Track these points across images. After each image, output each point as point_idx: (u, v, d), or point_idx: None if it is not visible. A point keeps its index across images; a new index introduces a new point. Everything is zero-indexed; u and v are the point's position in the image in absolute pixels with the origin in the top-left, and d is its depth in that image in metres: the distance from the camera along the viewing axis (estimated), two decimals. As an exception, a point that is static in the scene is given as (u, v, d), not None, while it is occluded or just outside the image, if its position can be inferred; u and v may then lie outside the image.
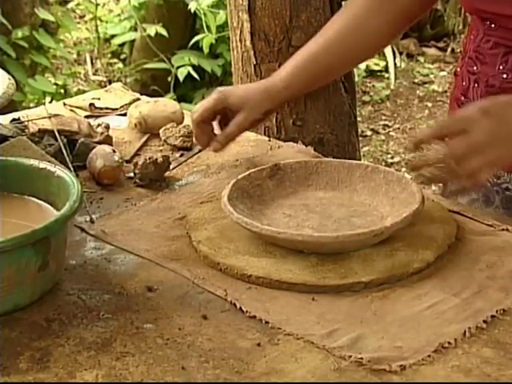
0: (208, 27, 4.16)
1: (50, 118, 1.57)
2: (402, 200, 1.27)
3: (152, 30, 4.34)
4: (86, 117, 1.72)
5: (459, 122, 1.18)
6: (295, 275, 1.14)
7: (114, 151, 1.47)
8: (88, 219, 1.32)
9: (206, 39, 4.16)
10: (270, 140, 1.67)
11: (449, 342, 1.02)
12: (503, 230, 1.26)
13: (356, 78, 4.37)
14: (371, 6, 1.45)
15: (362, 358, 0.99)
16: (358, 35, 1.46)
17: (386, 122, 4.72)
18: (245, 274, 1.15)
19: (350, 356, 0.99)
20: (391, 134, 4.59)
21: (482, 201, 1.47)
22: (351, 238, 1.17)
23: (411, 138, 1.20)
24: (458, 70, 1.47)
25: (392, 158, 4.29)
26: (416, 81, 5.28)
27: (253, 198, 1.31)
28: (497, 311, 1.08)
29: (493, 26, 1.36)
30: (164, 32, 4.32)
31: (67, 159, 1.41)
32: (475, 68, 1.41)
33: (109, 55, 5.22)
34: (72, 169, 1.37)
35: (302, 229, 1.24)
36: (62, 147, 1.45)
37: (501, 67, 1.35)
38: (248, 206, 1.29)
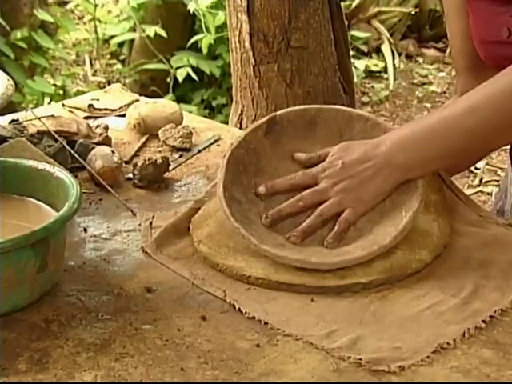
0: (207, 28, 4.16)
1: (39, 119, 1.56)
2: None
3: (151, 30, 4.34)
4: (85, 118, 1.72)
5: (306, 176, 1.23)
6: (294, 276, 1.14)
7: (113, 152, 1.47)
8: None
9: (205, 39, 4.16)
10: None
11: (448, 343, 1.02)
12: (490, 221, 1.27)
13: (355, 79, 4.37)
14: None
15: (361, 359, 0.99)
16: None
17: (385, 123, 4.72)
18: (244, 275, 1.15)
19: (350, 357, 0.99)
20: (390, 134, 4.59)
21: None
22: (351, 263, 1.14)
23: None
24: None
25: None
26: (415, 82, 5.28)
27: (248, 172, 1.25)
28: (495, 311, 1.08)
29: None
30: (163, 33, 4.32)
31: (78, 158, 1.41)
32: None
33: (108, 56, 5.22)
34: (85, 164, 1.35)
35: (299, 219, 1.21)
36: (66, 146, 1.45)
37: None
38: (244, 188, 1.23)
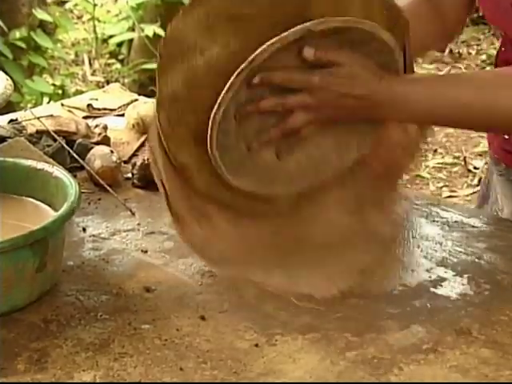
0: (206, 27, 4.16)
1: (38, 118, 1.57)
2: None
3: (150, 30, 4.34)
4: (84, 117, 1.72)
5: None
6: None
7: (112, 152, 1.47)
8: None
9: (204, 39, 4.16)
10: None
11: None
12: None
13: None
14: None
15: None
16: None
17: (384, 123, 4.72)
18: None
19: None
20: (389, 134, 4.59)
21: None
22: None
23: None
24: None
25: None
26: (414, 81, 5.28)
27: (254, 86, 1.08)
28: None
29: None
30: (162, 32, 4.32)
31: (77, 158, 1.41)
32: None
33: (107, 56, 5.22)
34: (84, 164, 1.37)
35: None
36: (65, 146, 1.45)
37: None
38: (238, 104, 1.07)
